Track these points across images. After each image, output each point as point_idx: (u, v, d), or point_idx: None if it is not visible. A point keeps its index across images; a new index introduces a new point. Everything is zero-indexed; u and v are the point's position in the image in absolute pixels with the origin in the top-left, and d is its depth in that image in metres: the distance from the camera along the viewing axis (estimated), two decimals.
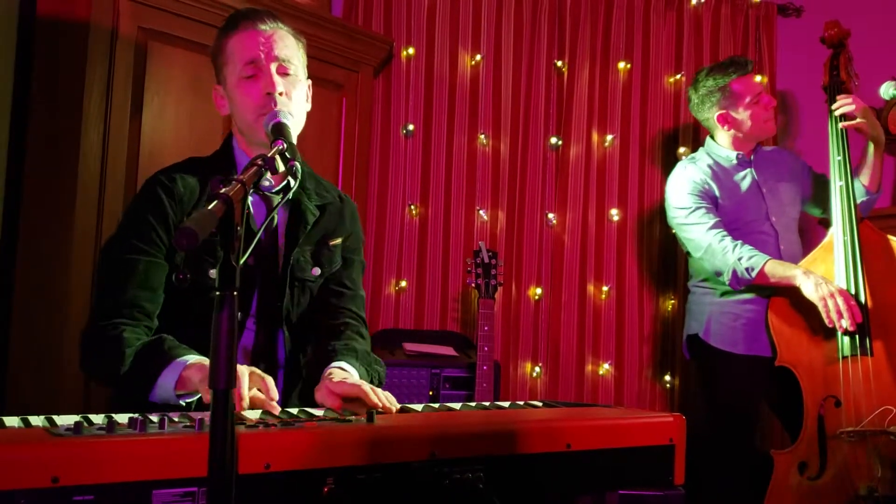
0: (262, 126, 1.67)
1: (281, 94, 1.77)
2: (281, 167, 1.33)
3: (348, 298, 1.99)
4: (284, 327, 1.88)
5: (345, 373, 1.74)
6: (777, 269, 2.79)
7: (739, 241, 2.86)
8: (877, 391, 2.62)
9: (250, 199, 1.13)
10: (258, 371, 1.52)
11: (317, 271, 1.93)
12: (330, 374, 1.71)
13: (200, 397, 1.56)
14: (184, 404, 1.58)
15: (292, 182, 1.39)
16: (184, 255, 1.76)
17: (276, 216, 1.87)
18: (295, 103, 1.82)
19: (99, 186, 2.43)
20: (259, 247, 1.83)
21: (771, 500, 2.67)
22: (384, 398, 1.58)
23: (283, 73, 1.81)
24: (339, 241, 1.99)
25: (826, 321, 2.66)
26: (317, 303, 1.95)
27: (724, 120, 3.06)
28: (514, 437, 1.38)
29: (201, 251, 1.74)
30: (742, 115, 3.04)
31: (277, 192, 1.85)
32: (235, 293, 1.04)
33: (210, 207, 1.01)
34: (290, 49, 1.84)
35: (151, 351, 1.61)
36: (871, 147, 2.95)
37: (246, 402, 1.44)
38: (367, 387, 1.59)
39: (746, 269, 2.80)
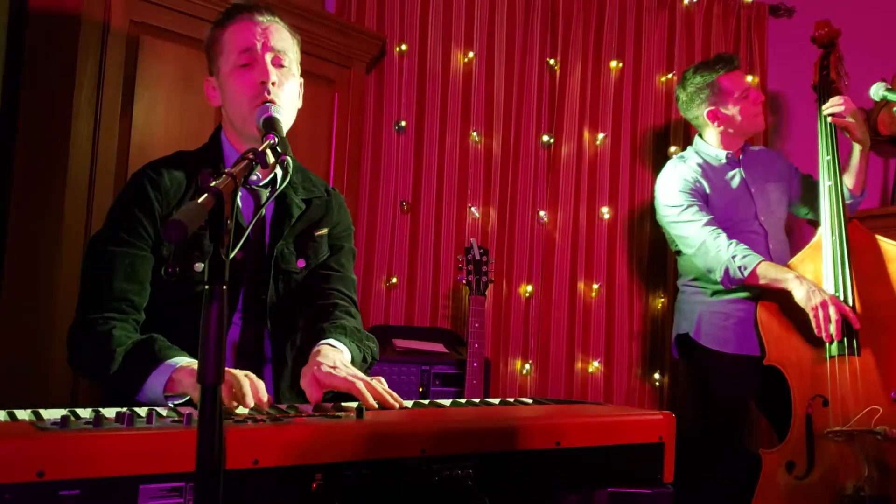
0: (254, 117, 1.67)
1: (274, 83, 1.78)
2: (272, 161, 1.32)
3: (336, 279, 1.96)
4: (269, 321, 1.87)
5: (335, 351, 1.68)
6: (769, 271, 2.78)
7: (734, 240, 2.85)
8: (864, 391, 2.62)
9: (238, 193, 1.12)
10: (251, 375, 1.47)
11: (302, 263, 1.92)
12: (318, 351, 1.66)
13: (189, 398, 1.54)
14: (171, 406, 1.55)
15: (279, 174, 1.36)
16: (171, 249, 1.73)
17: (264, 210, 1.87)
18: (286, 94, 1.82)
19: (89, 180, 2.42)
20: (247, 241, 1.82)
21: (759, 499, 2.68)
22: (385, 393, 1.51)
23: (278, 64, 1.83)
24: (325, 231, 1.98)
25: (815, 330, 2.64)
26: (305, 288, 1.93)
27: (714, 116, 3.06)
28: (503, 434, 1.37)
29: (188, 244, 1.73)
30: (731, 110, 3.04)
31: (265, 186, 1.84)
32: (225, 287, 1.03)
33: (199, 200, 1.00)
34: (285, 42, 1.86)
35: (141, 351, 1.59)
36: (857, 149, 2.96)
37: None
38: (361, 384, 1.50)
39: (739, 268, 2.79)
